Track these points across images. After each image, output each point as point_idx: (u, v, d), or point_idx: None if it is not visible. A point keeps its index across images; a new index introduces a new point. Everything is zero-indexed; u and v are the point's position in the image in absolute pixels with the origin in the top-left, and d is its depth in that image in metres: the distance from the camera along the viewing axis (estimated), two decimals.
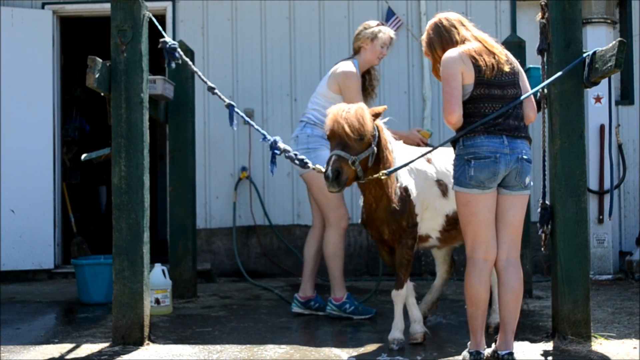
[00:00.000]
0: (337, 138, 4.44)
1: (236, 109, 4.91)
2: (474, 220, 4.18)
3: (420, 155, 4.67)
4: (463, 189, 4.18)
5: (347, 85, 5.59)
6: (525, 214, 4.33)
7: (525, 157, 4.19)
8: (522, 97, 4.28)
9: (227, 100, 4.94)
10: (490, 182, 4.14)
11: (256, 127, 4.95)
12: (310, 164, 4.57)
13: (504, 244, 4.23)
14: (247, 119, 4.95)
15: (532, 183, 4.29)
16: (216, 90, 4.97)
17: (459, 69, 4.16)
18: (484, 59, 4.17)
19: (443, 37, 4.35)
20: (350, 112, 4.48)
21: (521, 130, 4.24)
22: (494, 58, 4.21)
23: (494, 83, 4.19)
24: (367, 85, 5.89)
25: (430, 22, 4.47)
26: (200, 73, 5.13)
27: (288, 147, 4.62)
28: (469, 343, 4.31)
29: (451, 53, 4.21)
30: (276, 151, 4.59)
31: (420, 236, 4.88)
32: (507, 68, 4.22)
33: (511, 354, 4.19)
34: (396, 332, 4.77)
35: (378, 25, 5.82)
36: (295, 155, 4.53)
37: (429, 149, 4.84)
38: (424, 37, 4.48)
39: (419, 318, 4.88)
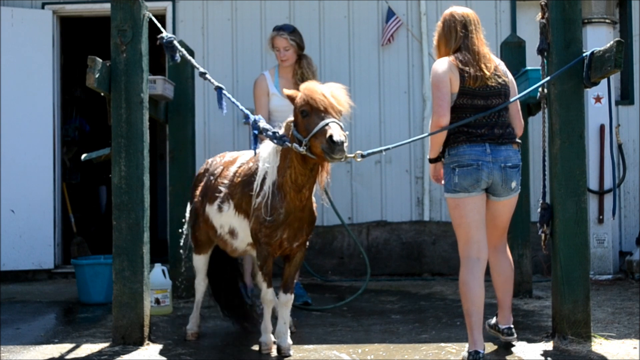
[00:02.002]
0: (324, 111, 4.19)
1: (224, 92, 4.84)
2: (464, 222, 4.38)
3: (409, 140, 4.99)
4: (450, 194, 4.42)
5: (253, 93, 6.33)
6: (514, 211, 4.62)
7: (509, 164, 4.38)
8: (501, 105, 4.39)
9: (216, 83, 4.87)
10: (474, 187, 4.35)
11: (241, 107, 4.86)
12: (288, 142, 4.43)
13: (493, 239, 4.57)
14: (233, 99, 4.86)
15: (519, 187, 4.48)
16: (207, 75, 4.91)
17: (448, 75, 4.34)
18: (469, 71, 4.33)
19: (444, 34, 4.54)
20: (338, 89, 4.33)
21: (506, 137, 4.41)
22: (480, 71, 4.35)
23: (477, 93, 4.36)
24: (298, 80, 6.16)
25: (444, 13, 4.61)
26: (194, 61, 5.10)
27: (267, 126, 4.53)
28: (467, 345, 4.36)
29: (441, 62, 4.40)
30: (255, 131, 4.52)
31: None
32: (491, 82, 4.37)
33: (510, 328, 4.68)
34: (286, 339, 4.62)
35: (273, 31, 6.34)
36: (274, 133, 4.44)
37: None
38: (441, 20, 4.63)
39: (271, 329, 4.71)
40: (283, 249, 4.60)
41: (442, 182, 4.52)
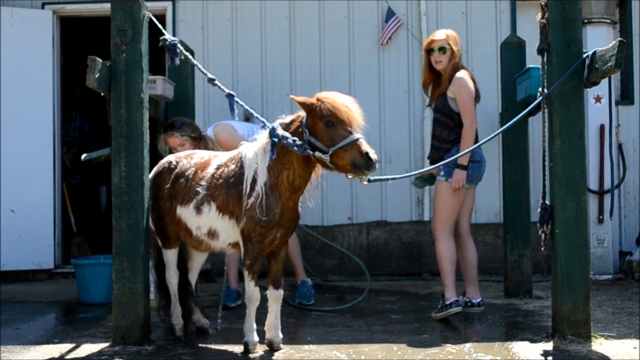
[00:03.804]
0: (349, 123, 4.34)
1: (236, 98, 4.91)
2: (457, 207, 5.48)
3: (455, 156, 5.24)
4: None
5: None
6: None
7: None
8: (515, 118, 4.93)
9: (227, 90, 4.93)
10: (478, 179, 5.55)
11: (256, 114, 4.94)
12: (309, 150, 4.45)
13: (464, 224, 5.65)
14: (246, 107, 4.93)
15: None
16: (216, 82, 4.96)
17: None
18: (478, 87, 5.59)
19: (459, 50, 5.60)
20: (353, 102, 4.45)
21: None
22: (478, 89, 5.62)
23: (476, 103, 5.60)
24: None
25: (454, 34, 5.66)
26: (200, 66, 5.12)
27: (286, 134, 4.53)
28: (444, 296, 5.46)
29: (467, 76, 5.50)
30: (274, 139, 4.53)
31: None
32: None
33: (481, 300, 5.64)
34: (278, 333, 4.73)
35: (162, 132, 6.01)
36: (294, 141, 4.45)
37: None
38: (454, 34, 5.66)
39: (255, 328, 4.74)
40: (272, 247, 4.66)
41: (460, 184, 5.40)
